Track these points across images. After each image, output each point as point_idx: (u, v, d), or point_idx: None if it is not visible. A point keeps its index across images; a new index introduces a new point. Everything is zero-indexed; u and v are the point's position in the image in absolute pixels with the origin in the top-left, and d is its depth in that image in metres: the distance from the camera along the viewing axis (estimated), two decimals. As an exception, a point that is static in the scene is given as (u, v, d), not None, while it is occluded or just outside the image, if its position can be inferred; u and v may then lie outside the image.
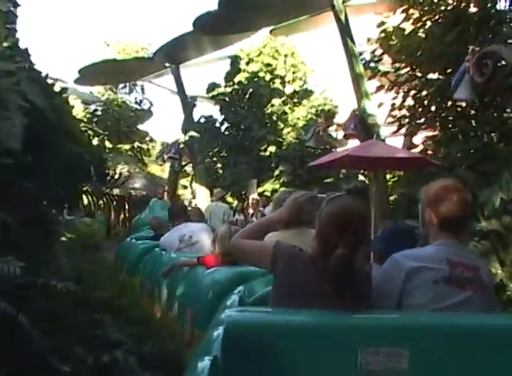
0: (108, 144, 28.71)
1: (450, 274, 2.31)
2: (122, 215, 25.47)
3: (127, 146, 27.51)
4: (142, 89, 28.88)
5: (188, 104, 19.38)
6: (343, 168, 12.91)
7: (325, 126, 13.01)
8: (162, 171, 29.22)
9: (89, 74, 18.33)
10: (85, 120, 27.55)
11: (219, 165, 21.80)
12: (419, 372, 1.94)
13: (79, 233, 13.55)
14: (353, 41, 11.86)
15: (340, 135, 14.54)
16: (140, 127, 29.86)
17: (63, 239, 8.06)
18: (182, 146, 18.89)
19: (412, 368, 1.93)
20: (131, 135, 27.83)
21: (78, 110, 26.34)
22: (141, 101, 29.15)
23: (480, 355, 1.99)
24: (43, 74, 6.96)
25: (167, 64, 18.87)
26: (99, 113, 26.96)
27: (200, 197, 19.30)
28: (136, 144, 28.33)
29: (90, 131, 26.01)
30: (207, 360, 1.82)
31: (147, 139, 29.44)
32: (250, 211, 15.39)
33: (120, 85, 27.90)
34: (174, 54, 17.35)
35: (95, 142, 25.01)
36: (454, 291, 2.30)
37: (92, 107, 26.79)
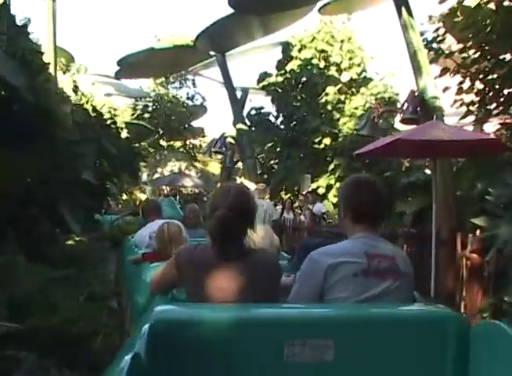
0: (162, 141, 28.07)
1: (368, 266, 2.37)
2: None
3: (178, 143, 26.65)
4: (194, 83, 27.98)
5: (235, 96, 18.17)
6: (396, 156, 11.25)
7: (381, 111, 11.47)
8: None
9: (129, 66, 17.35)
10: (135, 116, 27.14)
11: (271, 160, 20.63)
12: (344, 362, 1.99)
13: (121, 231, 12.98)
14: (409, 11, 10.30)
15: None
16: (194, 123, 29.04)
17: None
18: (230, 140, 17.76)
19: (337, 359, 1.97)
20: (183, 132, 26.99)
21: (126, 106, 25.84)
22: (193, 96, 28.25)
23: (399, 343, 2.03)
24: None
25: (212, 53, 17.65)
26: (149, 109, 26.20)
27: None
28: (189, 141, 27.46)
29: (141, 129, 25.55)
30: (128, 357, 1.71)
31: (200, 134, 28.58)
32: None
33: (171, 79, 27.04)
34: (218, 40, 16.09)
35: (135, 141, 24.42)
36: (374, 281, 2.36)
37: (141, 104, 26.06)
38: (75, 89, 10.74)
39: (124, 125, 11.52)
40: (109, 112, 10.62)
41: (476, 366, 1.98)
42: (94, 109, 10.50)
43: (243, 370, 1.98)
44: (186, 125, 27.36)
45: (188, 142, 27.52)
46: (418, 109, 10.15)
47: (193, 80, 28.10)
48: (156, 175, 23.16)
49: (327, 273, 2.34)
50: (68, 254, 7.57)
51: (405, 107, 10.35)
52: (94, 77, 24.83)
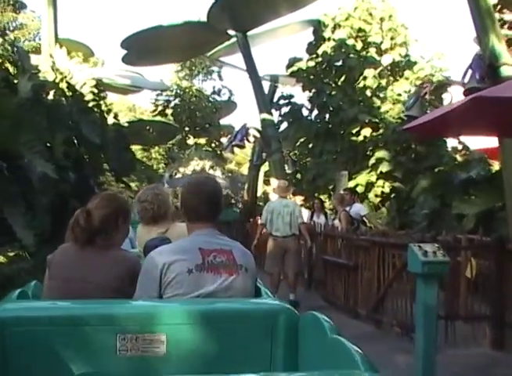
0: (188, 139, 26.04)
1: (203, 261, 2.45)
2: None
3: (203, 140, 24.53)
4: (220, 76, 25.82)
5: (259, 82, 15.84)
6: (465, 133, 8.52)
7: (434, 86, 9.01)
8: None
9: (136, 49, 15.13)
10: (156, 112, 25.12)
11: (304, 157, 18.26)
12: (175, 355, 2.07)
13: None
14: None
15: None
16: (222, 120, 26.90)
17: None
18: (255, 132, 15.48)
19: (169, 352, 2.05)
20: (209, 129, 24.88)
21: (146, 101, 23.91)
22: (219, 90, 26.04)
23: (230, 336, 2.13)
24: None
25: (231, 33, 15.30)
26: (171, 104, 24.16)
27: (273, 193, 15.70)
28: (215, 139, 25.31)
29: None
30: None
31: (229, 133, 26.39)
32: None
33: (195, 72, 24.94)
34: (235, 15, 13.72)
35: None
36: (209, 276, 2.44)
37: (162, 98, 24.04)
38: (53, 66, 8.64)
39: (111, 107, 9.34)
40: (92, 92, 8.50)
41: (303, 351, 2.15)
42: (71, 88, 8.36)
43: (77, 364, 2.02)
44: (212, 123, 25.22)
45: (212, 140, 25.34)
46: (484, 77, 7.78)
47: (219, 72, 26.02)
48: (178, 176, 21.00)
49: (163, 271, 2.42)
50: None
51: (467, 77, 7.91)
52: (112, 70, 23.04)
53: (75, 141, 8.35)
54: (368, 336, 7.32)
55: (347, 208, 10.10)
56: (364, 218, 10.42)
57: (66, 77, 8.34)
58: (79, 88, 8.45)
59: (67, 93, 8.20)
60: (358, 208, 10.42)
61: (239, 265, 2.52)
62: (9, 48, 8.26)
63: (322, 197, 16.33)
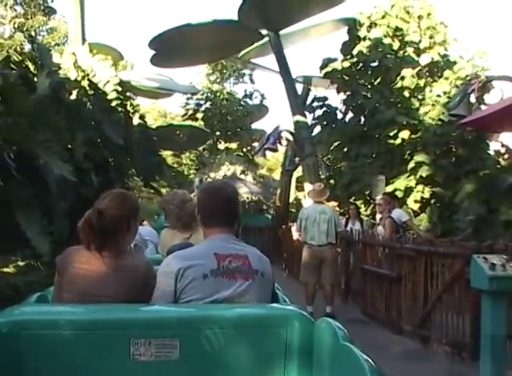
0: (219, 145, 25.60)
1: (218, 266, 2.44)
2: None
3: (234, 145, 24.02)
4: (251, 79, 25.28)
5: (292, 83, 15.24)
6: None
7: (483, 82, 8.29)
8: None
9: (164, 50, 14.62)
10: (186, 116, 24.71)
11: (339, 162, 17.57)
12: (189, 361, 2.07)
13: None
14: None
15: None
16: (254, 125, 26.39)
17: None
18: (288, 135, 14.86)
19: (182, 357, 2.06)
20: (241, 133, 24.36)
21: (177, 106, 23.51)
22: (251, 93, 25.49)
23: (245, 341, 2.12)
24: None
25: (262, 32, 14.71)
26: (202, 108, 23.74)
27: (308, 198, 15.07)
28: (247, 143, 24.78)
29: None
30: None
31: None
32: (378, 216, 11.12)
33: (226, 75, 24.45)
34: (267, 13, 13.12)
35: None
36: (225, 281, 2.42)
37: (192, 102, 23.62)
38: (75, 64, 8.19)
39: (138, 109, 8.83)
40: (116, 91, 8.02)
41: (317, 358, 2.12)
42: (93, 86, 7.89)
43: (91, 368, 2.04)
44: (244, 127, 24.72)
45: (244, 144, 24.81)
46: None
47: (250, 75, 25.50)
48: (209, 181, 20.50)
49: (178, 276, 2.41)
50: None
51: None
52: (141, 73, 22.75)
53: (98, 142, 7.86)
54: (413, 354, 6.67)
55: (391, 214, 9.43)
56: (405, 225, 9.75)
57: (88, 74, 7.89)
58: (102, 86, 8.00)
59: (89, 91, 7.74)
60: (399, 214, 9.73)
61: (254, 270, 2.52)
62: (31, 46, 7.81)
63: (357, 202, 15.70)
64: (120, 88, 8.18)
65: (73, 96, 8.15)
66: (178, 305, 2.39)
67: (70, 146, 7.14)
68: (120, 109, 8.16)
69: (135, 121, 8.65)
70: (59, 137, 6.48)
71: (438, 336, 6.36)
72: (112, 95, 8.09)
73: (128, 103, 8.62)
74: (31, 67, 7.68)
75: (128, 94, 8.81)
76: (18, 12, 26.70)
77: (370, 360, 1.72)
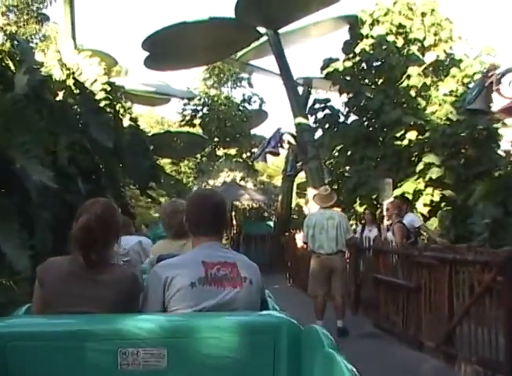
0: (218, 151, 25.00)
1: (206, 275, 2.43)
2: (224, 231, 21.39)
3: (233, 151, 23.39)
4: (249, 83, 24.64)
5: (293, 85, 14.60)
6: None
7: (503, 72, 7.65)
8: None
9: (159, 50, 13.91)
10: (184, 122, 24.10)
11: (342, 166, 16.93)
12: (177, 370, 2.06)
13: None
14: None
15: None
16: (253, 131, 25.78)
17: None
18: (289, 138, 14.21)
19: (170, 367, 2.05)
20: (240, 139, 23.73)
21: (174, 114, 22.94)
22: (250, 98, 24.86)
23: (232, 349, 2.10)
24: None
25: (261, 30, 14.03)
26: (199, 114, 23.13)
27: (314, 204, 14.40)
28: (246, 149, 24.14)
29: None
30: None
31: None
32: (386, 222, 10.49)
33: (223, 79, 23.83)
34: (265, 10, 12.45)
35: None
36: (213, 289, 2.41)
37: (189, 108, 23.03)
38: (59, 61, 7.56)
39: (130, 111, 8.20)
40: (104, 90, 7.37)
41: (305, 365, 2.09)
42: (79, 85, 7.24)
43: None
44: (243, 133, 24.09)
45: (244, 150, 24.18)
46: None
47: (248, 78, 24.87)
48: (210, 188, 19.88)
49: (166, 285, 2.40)
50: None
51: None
52: (136, 78, 22.17)
53: (86, 146, 7.22)
54: (438, 373, 6.00)
55: (401, 218, 8.76)
56: (420, 230, 9.10)
57: (73, 73, 7.25)
58: (89, 85, 7.36)
59: (75, 91, 7.10)
60: (412, 219, 9.08)
61: (243, 277, 2.50)
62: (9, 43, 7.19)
63: (360, 208, 15.06)
64: (108, 88, 7.55)
65: (59, 98, 7.54)
66: (165, 314, 2.38)
67: (53, 149, 6.50)
68: (109, 110, 7.54)
69: (126, 122, 8.00)
70: (39, 139, 5.86)
71: (466, 354, 5.67)
72: (100, 95, 7.47)
73: (118, 103, 7.98)
74: (11, 65, 7.06)
75: (118, 94, 8.17)
76: (10, 19, 26.11)
77: (354, 369, 1.70)
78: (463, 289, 5.79)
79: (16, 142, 5.49)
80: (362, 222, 11.05)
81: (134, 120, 8.39)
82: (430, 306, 6.53)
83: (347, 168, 16.43)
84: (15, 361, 1.99)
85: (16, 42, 7.15)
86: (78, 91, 7.20)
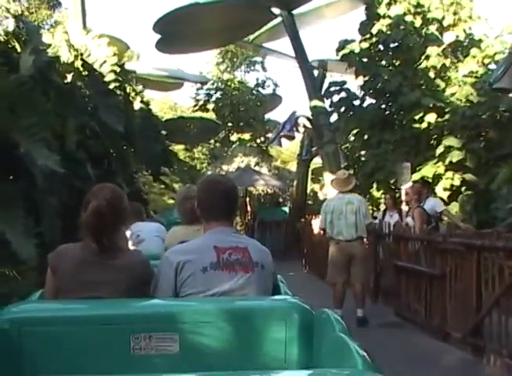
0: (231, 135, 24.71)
1: (218, 259, 2.42)
2: (238, 217, 21.19)
3: (247, 136, 23.06)
4: (263, 67, 24.25)
5: (308, 67, 14.21)
6: None
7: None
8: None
9: (172, 33, 13.56)
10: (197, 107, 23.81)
11: (358, 150, 16.55)
12: (189, 354, 2.06)
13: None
14: None
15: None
16: (267, 115, 25.43)
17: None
18: (305, 121, 13.84)
19: (182, 351, 2.05)
20: (254, 124, 23.39)
21: (187, 99, 22.65)
22: (263, 82, 24.46)
23: (244, 334, 2.11)
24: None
25: (275, 11, 13.64)
26: (213, 98, 22.81)
27: (330, 189, 14.06)
28: (260, 134, 23.79)
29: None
30: None
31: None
32: (404, 207, 10.20)
33: (236, 63, 23.46)
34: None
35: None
36: (225, 273, 2.41)
37: (202, 93, 22.72)
38: (67, 42, 7.27)
39: (138, 91, 7.89)
40: (114, 72, 7.08)
41: (317, 349, 2.05)
42: (87, 67, 6.96)
43: (91, 363, 2.03)
44: (257, 118, 23.73)
45: (258, 135, 23.84)
46: None
47: (262, 62, 24.48)
48: (222, 174, 19.61)
49: (178, 270, 2.40)
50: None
51: None
52: (149, 63, 21.86)
53: (95, 130, 6.96)
54: (465, 366, 5.72)
55: (421, 203, 8.44)
56: (442, 215, 8.76)
57: (82, 54, 6.97)
58: (98, 67, 7.08)
59: (83, 73, 6.83)
60: (434, 203, 8.74)
61: (255, 262, 2.49)
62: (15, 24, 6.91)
63: (377, 193, 14.73)
64: (118, 69, 7.26)
65: (68, 80, 7.27)
66: (177, 299, 2.40)
67: (61, 133, 6.24)
68: (119, 92, 7.26)
69: (137, 105, 7.71)
70: (45, 122, 5.59)
71: (496, 346, 5.37)
72: (109, 77, 7.19)
73: (128, 86, 7.68)
74: (17, 47, 6.80)
75: (128, 76, 7.87)
76: (21, 4, 25.92)
77: (365, 354, 1.68)
78: (493, 277, 5.47)
79: (22, 124, 5.23)
80: (382, 207, 10.71)
81: (145, 103, 8.11)
82: (456, 295, 6.24)
83: (364, 152, 16.06)
84: (29, 346, 2.01)
85: (21, 23, 6.86)
86: (87, 72, 6.93)
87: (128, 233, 4.95)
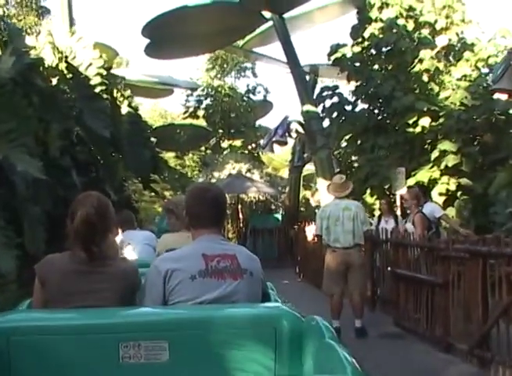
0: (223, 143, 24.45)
1: (206, 267, 2.41)
2: (230, 224, 20.91)
3: (238, 142, 22.81)
4: (253, 72, 24.03)
5: (300, 72, 13.98)
6: None
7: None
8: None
9: (161, 38, 13.28)
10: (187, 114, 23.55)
11: (351, 156, 16.34)
12: (178, 363, 2.06)
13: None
14: None
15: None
16: (258, 121, 25.21)
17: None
18: (297, 126, 13.60)
19: (172, 359, 2.05)
20: (245, 130, 23.15)
21: (177, 106, 22.41)
22: (254, 88, 24.24)
23: (233, 341, 2.09)
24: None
25: (265, 15, 13.39)
26: (203, 105, 22.57)
27: (325, 195, 13.78)
28: (251, 140, 23.56)
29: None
30: None
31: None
32: (399, 212, 9.98)
33: (226, 69, 23.23)
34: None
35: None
36: (213, 281, 2.40)
37: (192, 100, 22.48)
38: (51, 43, 6.98)
39: (126, 95, 7.59)
40: (100, 75, 6.80)
41: (307, 356, 2.05)
42: (72, 69, 6.67)
43: (81, 372, 2.04)
44: (248, 124, 23.50)
45: (249, 141, 23.60)
46: None
47: (252, 68, 24.27)
48: (213, 181, 19.30)
49: (166, 278, 2.39)
50: None
51: None
52: (138, 70, 21.60)
53: (81, 136, 6.66)
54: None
55: (420, 207, 8.18)
56: (440, 220, 8.52)
57: (66, 56, 6.68)
58: (83, 69, 6.79)
59: (68, 76, 6.54)
60: (432, 209, 8.50)
61: (243, 269, 2.48)
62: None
63: (371, 199, 14.50)
64: (104, 72, 6.97)
65: (53, 83, 6.98)
66: (166, 307, 2.38)
67: (44, 139, 5.94)
68: (105, 96, 6.96)
69: (124, 110, 7.42)
70: (26, 127, 5.28)
71: (505, 358, 5.10)
72: (95, 81, 6.89)
73: (115, 89, 7.40)
74: (-1, 49, 6.49)
75: (116, 80, 7.58)
76: (9, 11, 25.57)
77: (354, 361, 1.69)
78: (500, 285, 5.21)
79: (0, 129, 4.93)
80: (376, 213, 10.48)
81: (134, 108, 7.82)
82: (460, 304, 5.97)
83: (357, 157, 15.83)
84: (18, 355, 2.00)
85: (3, 24, 6.56)
86: (71, 75, 6.64)
87: (118, 240, 4.93)
